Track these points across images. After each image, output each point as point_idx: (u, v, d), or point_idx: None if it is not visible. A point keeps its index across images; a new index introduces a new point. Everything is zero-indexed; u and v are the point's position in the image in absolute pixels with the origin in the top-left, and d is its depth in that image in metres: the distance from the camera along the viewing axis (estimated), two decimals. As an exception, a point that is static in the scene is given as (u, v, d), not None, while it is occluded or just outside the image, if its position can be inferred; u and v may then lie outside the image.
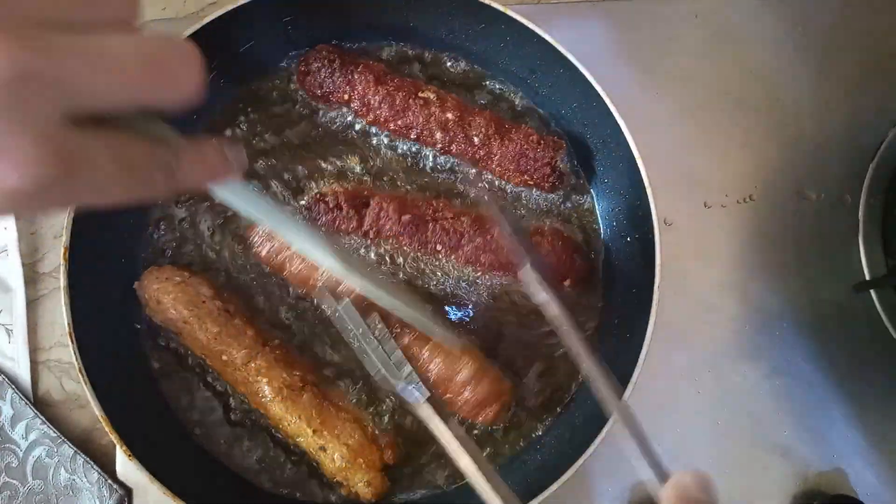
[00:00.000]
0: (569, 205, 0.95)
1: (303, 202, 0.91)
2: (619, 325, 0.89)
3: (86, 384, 0.75)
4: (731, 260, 1.01)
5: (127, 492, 0.87)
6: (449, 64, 0.99)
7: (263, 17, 0.88)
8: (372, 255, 0.90)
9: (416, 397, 0.64)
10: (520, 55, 0.92)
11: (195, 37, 0.83)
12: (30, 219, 0.96)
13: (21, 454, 0.88)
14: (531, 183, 0.92)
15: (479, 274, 0.91)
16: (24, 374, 0.91)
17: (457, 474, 0.86)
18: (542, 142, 0.90)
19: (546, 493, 0.76)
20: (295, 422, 0.80)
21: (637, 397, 0.77)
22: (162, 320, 0.85)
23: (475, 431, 0.88)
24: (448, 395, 0.82)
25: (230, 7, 0.84)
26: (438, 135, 0.91)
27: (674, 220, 1.00)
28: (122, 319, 0.86)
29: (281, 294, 0.90)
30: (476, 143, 0.90)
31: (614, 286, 0.93)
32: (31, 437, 0.88)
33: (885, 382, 0.98)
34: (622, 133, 0.83)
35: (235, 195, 0.52)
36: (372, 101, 0.91)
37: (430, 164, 0.95)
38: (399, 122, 0.92)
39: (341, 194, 0.89)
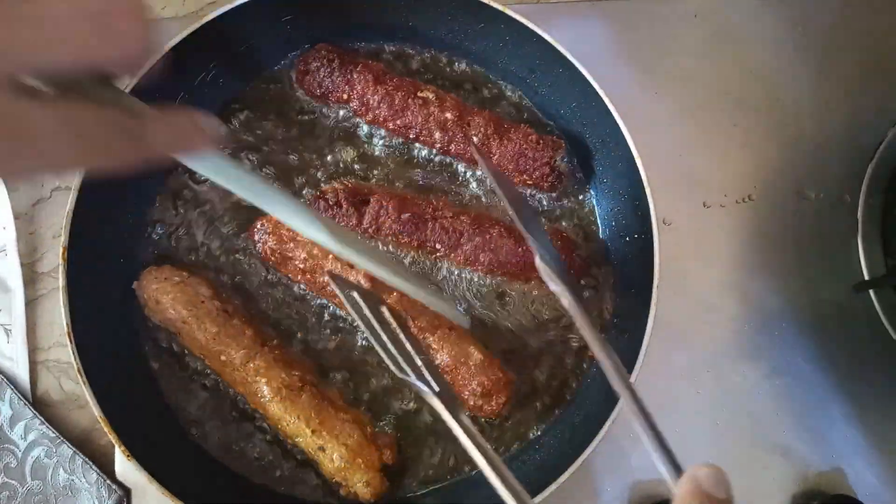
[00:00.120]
0: (568, 204, 0.95)
1: (302, 199, 0.91)
2: (619, 325, 0.90)
3: (84, 384, 0.75)
4: (731, 260, 1.00)
5: (126, 492, 0.87)
6: (448, 64, 0.99)
7: (262, 17, 0.88)
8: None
9: (428, 389, 0.63)
10: (519, 55, 0.92)
11: (194, 36, 0.83)
12: (27, 217, 0.96)
13: (20, 454, 0.88)
14: (530, 182, 0.92)
15: (478, 273, 0.91)
16: (22, 375, 0.91)
17: (454, 469, 0.86)
18: (540, 141, 0.90)
19: (546, 493, 0.76)
20: (294, 422, 0.80)
21: (636, 397, 0.77)
22: (161, 320, 0.85)
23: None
24: (456, 384, 0.83)
25: (229, 6, 0.84)
26: (437, 134, 0.91)
27: (673, 220, 1.00)
28: (121, 319, 0.86)
29: (281, 293, 0.90)
30: (475, 143, 0.90)
31: (613, 286, 0.93)
32: (30, 437, 0.88)
33: (885, 382, 0.98)
34: (621, 133, 0.83)
35: (212, 167, 0.50)
36: (371, 101, 0.91)
37: (430, 163, 0.95)
38: (398, 122, 0.92)
39: (341, 191, 0.89)
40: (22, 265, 0.93)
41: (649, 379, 0.78)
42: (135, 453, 0.74)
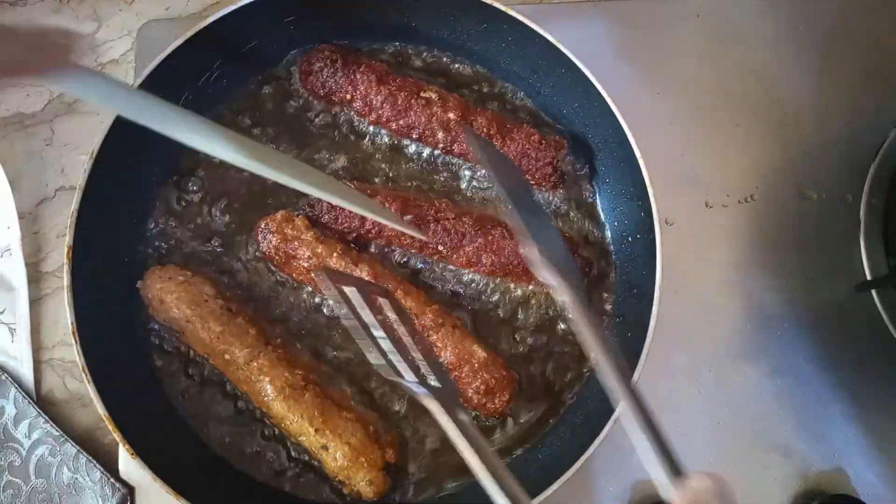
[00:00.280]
0: (570, 204, 0.95)
1: (305, 200, 0.92)
2: (621, 325, 0.90)
3: (89, 383, 0.75)
4: (733, 260, 1.01)
5: (129, 490, 0.87)
6: (451, 64, 0.99)
7: (266, 17, 0.88)
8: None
9: (421, 390, 0.61)
10: (521, 55, 0.92)
11: (198, 37, 0.84)
12: (31, 217, 0.97)
13: (24, 453, 0.88)
14: (533, 182, 0.92)
15: (480, 274, 0.91)
16: (27, 373, 0.91)
17: (459, 474, 0.87)
18: (543, 141, 0.90)
19: (547, 493, 0.76)
20: (297, 421, 0.81)
21: (638, 396, 0.77)
22: (165, 319, 0.85)
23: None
24: (459, 382, 0.83)
25: (232, 7, 0.84)
26: (440, 134, 0.91)
27: (675, 220, 1.00)
28: (125, 319, 0.87)
29: (284, 292, 0.90)
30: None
31: (616, 285, 0.93)
32: (34, 435, 0.88)
33: (886, 382, 0.98)
34: (624, 133, 0.83)
35: (82, 86, 0.47)
36: (374, 101, 0.91)
37: (432, 163, 0.95)
38: (401, 122, 0.92)
39: (343, 193, 0.89)
40: (26, 264, 0.94)
41: (651, 378, 0.79)
42: (139, 452, 0.75)
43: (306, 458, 0.86)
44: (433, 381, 0.63)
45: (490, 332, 0.91)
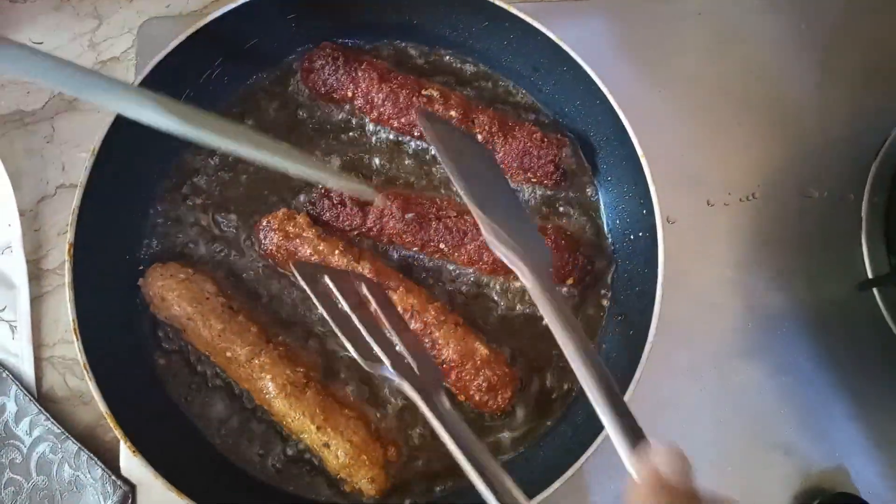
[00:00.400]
0: (572, 202, 0.95)
1: (307, 198, 0.92)
2: (623, 323, 0.90)
3: (91, 380, 0.75)
4: (734, 258, 1.01)
5: (131, 488, 0.87)
6: (452, 62, 0.99)
7: (267, 15, 0.88)
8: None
9: (398, 378, 0.60)
10: (523, 53, 0.92)
11: (198, 34, 0.84)
12: (32, 214, 0.96)
13: (25, 450, 0.88)
14: (534, 180, 0.92)
15: (481, 272, 0.91)
16: (28, 371, 0.91)
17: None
18: (545, 139, 0.90)
19: (549, 491, 0.76)
20: (298, 418, 0.81)
21: (640, 395, 0.77)
22: (166, 317, 0.85)
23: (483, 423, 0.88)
24: (461, 380, 0.83)
25: (233, 5, 0.84)
26: (442, 132, 0.91)
27: (677, 219, 1.00)
28: (127, 316, 0.87)
29: (286, 290, 0.90)
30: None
31: (618, 284, 0.93)
32: (35, 433, 0.88)
33: (887, 381, 0.98)
34: (626, 131, 0.83)
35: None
36: (376, 99, 0.91)
37: (434, 161, 0.95)
38: (402, 120, 0.92)
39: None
40: (27, 262, 0.94)
41: (652, 377, 0.79)
42: (140, 449, 0.75)
43: (308, 456, 0.86)
44: (414, 369, 0.62)
45: (491, 330, 0.90)
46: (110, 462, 0.88)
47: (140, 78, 0.82)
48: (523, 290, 0.92)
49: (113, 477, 0.87)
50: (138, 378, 0.85)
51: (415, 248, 0.91)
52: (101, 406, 0.75)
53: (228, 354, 0.82)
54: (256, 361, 0.82)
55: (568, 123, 0.96)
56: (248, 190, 0.93)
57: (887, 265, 0.99)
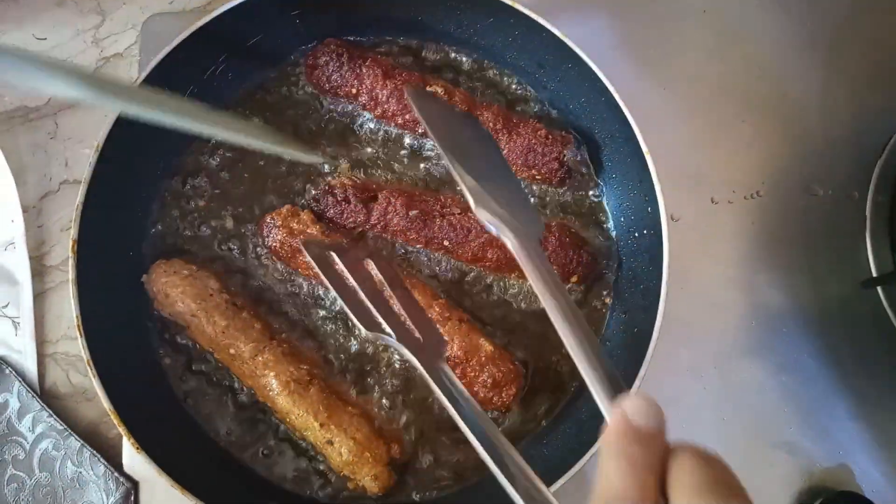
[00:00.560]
0: (576, 200, 0.95)
1: (312, 194, 0.91)
2: (627, 321, 0.89)
3: (94, 377, 0.75)
4: (738, 256, 1.00)
5: (133, 485, 0.87)
6: (457, 58, 0.99)
7: (271, 12, 0.88)
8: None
9: (395, 344, 0.61)
10: (528, 50, 0.92)
11: (202, 31, 0.83)
12: (35, 210, 0.96)
13: (28, 447, 0.88)
14: (539, 178, 0.92)
15: (485, 269, 0.91)
16: (31, 367, 0.91)
17: (467, 470, 0.86)
18: (549, 136, 0.90)
19: (554, 487, 0.75)
20: (302, 415, 0.80)
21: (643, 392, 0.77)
22: (170, 314, 0.85)
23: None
24: (466, 376, 0.83)
25: (237, 1, 0.84)
26: (446, 129, 0.91)
27: (681, 216, 1.00)
28: (130, 313, 0.86)
29: (290, 287, 0.90)
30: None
31: (622, 282, 0.93)
32: (38, 429, 0.88)
33: (891, 379, 0.98)
34: (631, 128, 0.83)
35: None
36: (380, 95, 0.91)
37: (438, 158, 0.95)
38: (407, 117, 0.92)
39: (349, 187, 0.89)
40: (30, 258, 0.93)
41: (655, 374, 0.79)
42: (143, 446, 0.74)
43: (311, 453, 0.86)
44: (419, 338, 0.63)
45: (496, 327, 0.90)
46: (113, 459, 0.88)
47: (144, 75, 0.82)
48: (529, 288, 0.91)
49: (116, 474, 0.86)
50: (141, 375, 0.85)
51: (419, 245, 0.90)
52: (105, 403, 0.75)
53: (232, 351, 0.82)
54: (260, 358, 0.82)
55: (572, 120, 0.96)
56: (251, 187, 0.93)
57: (891, 263, 0.99)
